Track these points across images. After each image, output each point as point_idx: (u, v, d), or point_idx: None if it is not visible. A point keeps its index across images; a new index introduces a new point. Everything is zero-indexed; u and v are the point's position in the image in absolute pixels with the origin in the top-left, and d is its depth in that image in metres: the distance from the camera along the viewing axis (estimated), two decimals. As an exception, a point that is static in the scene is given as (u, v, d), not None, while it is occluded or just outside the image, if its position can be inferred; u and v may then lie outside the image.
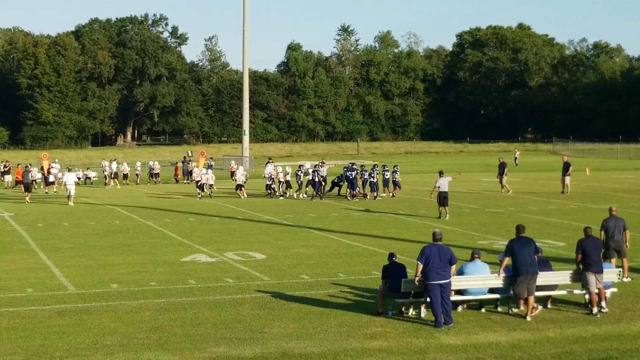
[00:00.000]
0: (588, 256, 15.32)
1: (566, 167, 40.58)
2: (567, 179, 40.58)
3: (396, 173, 40.99)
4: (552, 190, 42.16)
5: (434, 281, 14.37)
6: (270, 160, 43.85)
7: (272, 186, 41.29)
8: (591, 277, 15.21)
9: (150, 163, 57.95)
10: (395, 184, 40.73)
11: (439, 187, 31.45)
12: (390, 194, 40.13)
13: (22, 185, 43.73)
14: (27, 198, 40.64)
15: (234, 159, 63.37)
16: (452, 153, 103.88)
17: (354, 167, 39.96)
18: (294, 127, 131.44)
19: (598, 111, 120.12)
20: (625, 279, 17.74)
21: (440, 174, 32.73)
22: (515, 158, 70.50)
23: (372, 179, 39.28)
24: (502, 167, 41.49)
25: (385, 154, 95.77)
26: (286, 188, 41.70)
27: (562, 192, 40.16)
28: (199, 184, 42.35)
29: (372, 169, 39.79)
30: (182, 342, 13.43)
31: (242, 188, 41.52)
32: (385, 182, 40.37)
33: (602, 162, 72.91)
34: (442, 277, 14.40)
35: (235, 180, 42.04)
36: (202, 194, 41.68)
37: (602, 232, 18.24)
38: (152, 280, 18.75)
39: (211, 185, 42.72)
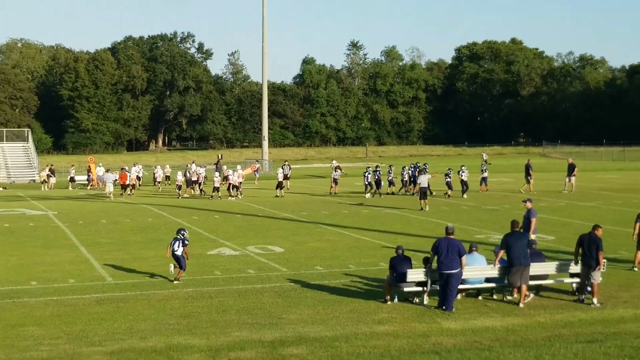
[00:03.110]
0: (584, 250, 15.23)
1: (571, 168, 40.41)
2: (573, 179, 40.49)
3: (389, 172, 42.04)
4: (542, 189, 41.94)
5: (443, 271, 14.49)
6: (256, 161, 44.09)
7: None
8: (584, 269, 15.14)
9: (199, 168, 44.43)
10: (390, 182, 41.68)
11: (420, 183, 33.38)
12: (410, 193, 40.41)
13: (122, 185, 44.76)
14: (188, 193, 42.70)
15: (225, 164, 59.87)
16: (452, 156, 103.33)
17: (418, 165, 41.78)
18: (308, 133, 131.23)
19: (584, 118, 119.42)
20: None
21: (422, 171, 35.41)
22: (485, 160, 67.29)
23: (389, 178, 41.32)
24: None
25: (391, 157, 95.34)
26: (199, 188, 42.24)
27: (570, 191, 39.83)
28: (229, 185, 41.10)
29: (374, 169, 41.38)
30: (208, 327, 13.47)
31: (237, 189, 40.77)
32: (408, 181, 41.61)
33: (588, 163, 72.37)
34: (450, 267, 14.44)
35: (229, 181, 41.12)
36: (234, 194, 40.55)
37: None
38: (182, 272, 18.77)
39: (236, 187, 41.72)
